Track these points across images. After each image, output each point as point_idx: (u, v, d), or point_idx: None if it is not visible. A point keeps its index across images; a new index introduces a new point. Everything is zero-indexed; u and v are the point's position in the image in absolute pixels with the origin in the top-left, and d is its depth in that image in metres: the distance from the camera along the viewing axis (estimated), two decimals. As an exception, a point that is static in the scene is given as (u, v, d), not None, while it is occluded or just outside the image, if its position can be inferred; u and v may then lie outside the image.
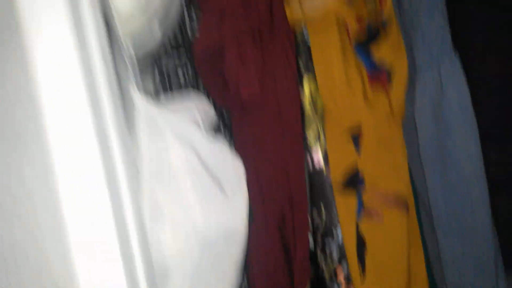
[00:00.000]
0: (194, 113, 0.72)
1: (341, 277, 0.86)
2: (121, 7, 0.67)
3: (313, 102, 0.87)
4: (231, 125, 0.99)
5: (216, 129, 0.97)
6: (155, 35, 0.82)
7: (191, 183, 0.69)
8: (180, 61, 1.05)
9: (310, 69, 0.87)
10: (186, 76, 1.05)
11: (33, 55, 0.46)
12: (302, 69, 0.89)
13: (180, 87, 1.03)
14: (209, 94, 0.99)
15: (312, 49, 0.85)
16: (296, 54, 0.90)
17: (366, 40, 0.80)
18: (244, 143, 0.93)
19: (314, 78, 0.87)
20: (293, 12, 0.80)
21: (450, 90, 0.82)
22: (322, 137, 0.86)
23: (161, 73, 1.04)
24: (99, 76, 0.52)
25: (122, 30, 0.68)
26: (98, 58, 0.53)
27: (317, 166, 0.88)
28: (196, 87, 1.05)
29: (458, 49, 0.81)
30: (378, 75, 0.82)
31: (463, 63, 0.81)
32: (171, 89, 1.02)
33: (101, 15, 0.57)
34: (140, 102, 0.63)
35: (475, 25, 0.80)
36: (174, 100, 0.75)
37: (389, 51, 0.81)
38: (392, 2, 0.82)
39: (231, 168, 0.76)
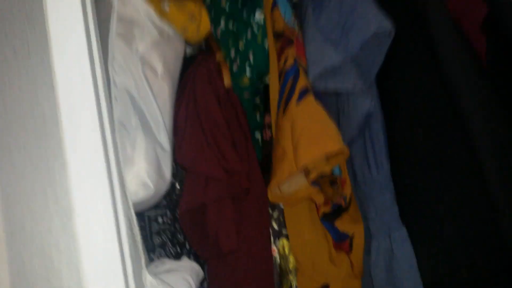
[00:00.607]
0: (189, 282, 0.85)
1: None
2: (140, 196, 0.82)
3: (287, 260, 1.01)
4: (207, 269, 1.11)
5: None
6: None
7: None
8: (161, 211, 1.17)
9: (284, 232, 1.03)
10: (166, 224, 1.17)
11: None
12: (277, 230, 1.04)
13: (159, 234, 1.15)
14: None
15: (285, 217, 1.01)
16: (271, 217, 1.06)
17: (332, 216, 0.97)
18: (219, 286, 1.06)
19: (287, 239, 1.02)
20: (272, 191, 0.96)
21: (399, 253, 0.98)
22: (294, 290, 1.00)
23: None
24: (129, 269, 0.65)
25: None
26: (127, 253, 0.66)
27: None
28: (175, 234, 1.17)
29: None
30: (342, 243, 0.98)
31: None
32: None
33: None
34: (147, 280, 0.76)
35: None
36: (174, 271, 0.87)
37: (349, 223, 0.99)
38: (351, 184, 1.00)
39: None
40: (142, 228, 1.14)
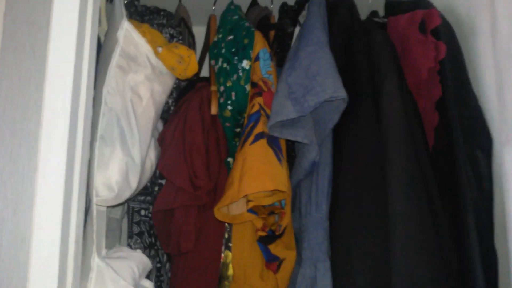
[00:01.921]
0: (133, 269, 1.07)
1: None
2: (102, 195, 1.04)
3: (227, 268, 1.21)
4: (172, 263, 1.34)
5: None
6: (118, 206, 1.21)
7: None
8: (145, 205, 1.39)
9: (229, 244, 1.23)
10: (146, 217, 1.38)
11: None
12: (226, 240, 1.24)
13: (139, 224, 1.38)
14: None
15: (232, 232, 1.21)
16: (226, 229, 1.27)
17: (266, 239, 1.16)
18: (177, 279, 1.27)
19: (230, 250, 1.22)
20: (218, 210, 1.16)
21: (320, 282, 1.12)
22: (229, 294, 1.20)
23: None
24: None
25: (97, 207, 1.05)
26: (72, 239, 0.89)
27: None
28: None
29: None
30: (271, 264, 1.17)
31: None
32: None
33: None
34: (94, 261, 0.98)
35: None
36: (123, 258, 1.09)
37: (282, 249, 1.17)
38: (290, 215, 1.18)
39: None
40: (122, 217, 1.38)
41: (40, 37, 0.89)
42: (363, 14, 1.49)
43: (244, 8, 1.54)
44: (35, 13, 0.90)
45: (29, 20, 0.89)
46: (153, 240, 1.39)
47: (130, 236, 1.37)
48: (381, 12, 1.49)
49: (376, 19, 1.43)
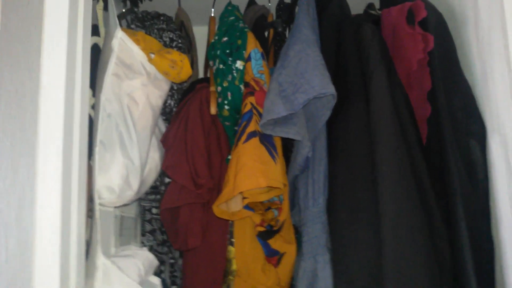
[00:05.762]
0: (139, 267, 1.13)
1: None
2: (105, 197, 1.10)
3: (230, 263, 1.26)
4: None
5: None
6: (132, 205, 1.26)
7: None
8: (156, 204, 1.45)
9: (233, 240, 1.28)
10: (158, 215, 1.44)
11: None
12: (229, 238, 1.29)
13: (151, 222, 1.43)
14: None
15: (234, 229, 1.25)
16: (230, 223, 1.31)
17: (265, 234, 1.20)
18: (186, 273, 1.33)
19: (233, 246, 1.27)
20: (217, 207, 1.20)
21: (320, 274, 1.17)
22: (231, 288, 1.25)
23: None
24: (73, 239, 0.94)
25: (103, 208, 1.11)
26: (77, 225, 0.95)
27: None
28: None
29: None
30: (271, 258, 1.21)
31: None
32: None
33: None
34: (99, 260, 1.04)
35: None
36: (129, 256, 1.15)
37: (281, 243, 1.21)
38: (288, 210, 1.21)
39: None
40: (137, 215, 1.44)
41: (33, 53, 0.96)
42: (361, 6, 1.50)
43: (242, 8, 1.57)
44: (28, 31, 0.96)
45: (23, 38, 0.95)
46: (165, 237, 1.44)
47: (143, 234, 1.44)
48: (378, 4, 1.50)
49: (372, 12, 1.45)
